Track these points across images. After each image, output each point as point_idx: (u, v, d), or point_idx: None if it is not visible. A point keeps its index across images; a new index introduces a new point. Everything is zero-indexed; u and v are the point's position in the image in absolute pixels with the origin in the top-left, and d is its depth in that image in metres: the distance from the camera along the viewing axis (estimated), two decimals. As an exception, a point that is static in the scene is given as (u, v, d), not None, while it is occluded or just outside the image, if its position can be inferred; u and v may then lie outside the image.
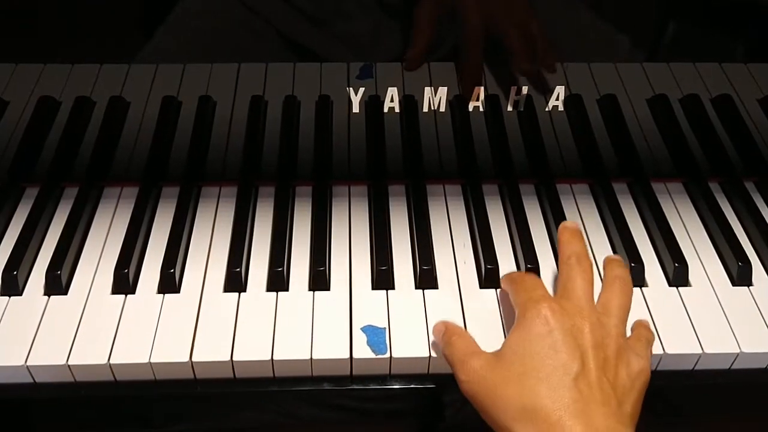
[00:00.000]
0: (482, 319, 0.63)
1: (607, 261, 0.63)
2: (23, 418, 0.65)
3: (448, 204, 0.75)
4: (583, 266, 0.59)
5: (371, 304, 0.64)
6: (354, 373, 0.61)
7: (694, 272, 0.68)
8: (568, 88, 0.70)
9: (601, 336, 0.54)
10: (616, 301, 0.58)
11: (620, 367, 0.53)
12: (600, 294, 0.59)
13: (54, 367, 0.59)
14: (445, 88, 0.69)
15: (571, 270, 0.59)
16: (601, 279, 0.62)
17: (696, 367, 0.62)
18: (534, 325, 0.53)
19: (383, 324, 0.62)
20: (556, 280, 0.65)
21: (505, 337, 0.61)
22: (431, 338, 0.61)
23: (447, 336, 0.58)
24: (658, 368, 0.62)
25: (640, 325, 0.61)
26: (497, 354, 0.54)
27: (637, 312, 0.64)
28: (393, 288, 0.66)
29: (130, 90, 0.70)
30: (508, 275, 0.62)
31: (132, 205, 0.72)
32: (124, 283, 0.65)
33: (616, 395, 0.51)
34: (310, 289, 0.65)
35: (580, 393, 0.50)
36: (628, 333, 0.60)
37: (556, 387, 0.50)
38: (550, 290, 0.64)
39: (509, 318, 0.63)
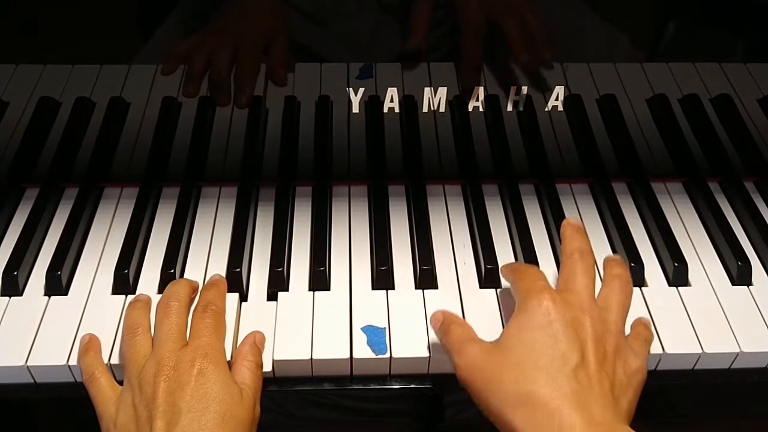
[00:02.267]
0: (482, 319, 0.63)
1: (607, 261, 0.62)
2: (23, 418, 0.65)
3: (448, 204, 0.75)
4: (586, 262, 0.59)
5: (371, 304, 0.64)
6: (354, 373, 0.61)
7: (693, 272, 0.68)
8: (567, 88, 0.70)
9: (601, 331, 0.53)
10: (616, 298, 0.58)
11: (618, 363, 0.53)
12: (600, 291, 0.59)
13: (54, 367, 0.59)
14: (445, 88, 0.69)
15: (573, 265, 0.58)
16: (601, 279, 0.62)
17: (696, 367, 0.62)
18: (535, 315, 0.53)
19: (383, 324, 0.62)
20: (555, 280, 0.65)
21: (505, 336, 0.61)
22: (431, 338, 0.61)
23: (445, 324, 0.58)
24: (658, 368, 0.62)
25: (639, 323, 0.61)
26: (496, 341, 0.55)
27: (637, 312, 0.64)
28: (393, 288, 0.66)
29: (130, 90, 0.70)
30: (510, 264, 0.62)
31: (132, 206, 0.72)
32: (124, 283, 0.65)
33: (613, 390, 0.51)
34: (310, 289, 0.65)
35: (579, 384, 0.50)
36: (627, 331, 0.60)
37: (556, 376, 0.50)
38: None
39: (509, 317, 0.63)
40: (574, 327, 0.53)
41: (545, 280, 0.57)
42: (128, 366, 0.56)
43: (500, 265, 0.66)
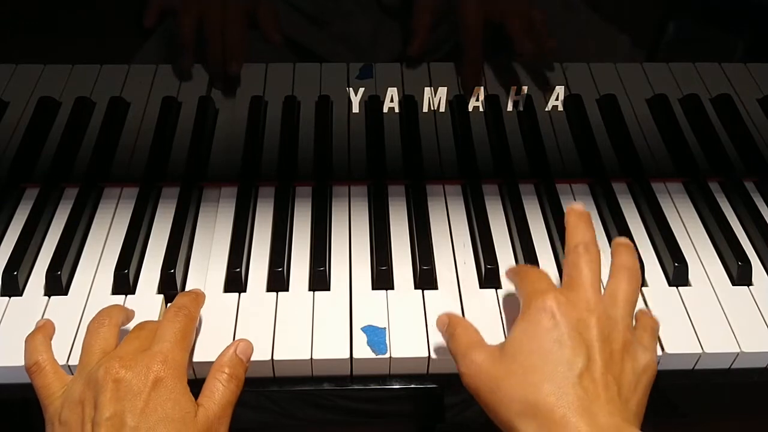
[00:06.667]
0: (482, 319, 0.63)
1: (615, 246, 0.59)
2: (23, 418, 0.65)
3: (448, 204, 0.75)
4: (590, 255, 0.56)
5: (371, 304, 0.64)
6: (354, 373, 0.61)
7: (694, 272, 0.68)
8: (567, 88, 0.70)
9: (608, 329, 0.52)
10: (623, 291, 0.56)
11: (626, 361, 0.52)
12: (607, 282, 0.57)
13: (54, 367, 0.59)
14: (445, 88, 0.70)
15: (578, 258, 0.56)
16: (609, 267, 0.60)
17: (696, 367, 0.62)
18: (539, 318, 0.52)
19: (383, 324, 0.62)
20: (556, 281, 0.65)
21: (505, 336, 0.61)
22: (431, 338, 0.61)
23: (450, 328, 0.56)
24: (658, 368, 0.62)
25: (643, 314, 0.59)
26: (501, 346, 0.53)
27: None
28: (393, 288, 0.66)
29: (130, 90, 0.70)
30: (514, 268, 0.61)
31: (132, 206, 0.72)
32: (124, 283, 0.65)
33: (620, 392, 0.51)
34: (310, 289, 0.65)
35: (585, 390, 0.50)
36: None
37: (561, 384, 0.50)
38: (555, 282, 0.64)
39: (510, 318, 0.63)
40: (579, 330, 0.52)
41: (549, 280, 0.56)
42: (83, 357, 0.54)
43: (500, 265, 0.66)
